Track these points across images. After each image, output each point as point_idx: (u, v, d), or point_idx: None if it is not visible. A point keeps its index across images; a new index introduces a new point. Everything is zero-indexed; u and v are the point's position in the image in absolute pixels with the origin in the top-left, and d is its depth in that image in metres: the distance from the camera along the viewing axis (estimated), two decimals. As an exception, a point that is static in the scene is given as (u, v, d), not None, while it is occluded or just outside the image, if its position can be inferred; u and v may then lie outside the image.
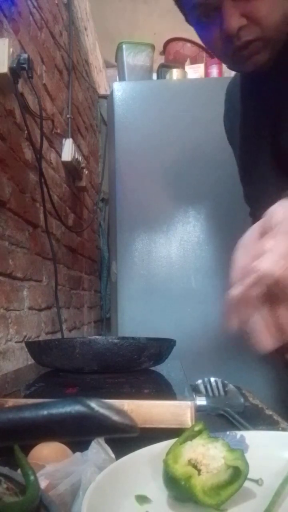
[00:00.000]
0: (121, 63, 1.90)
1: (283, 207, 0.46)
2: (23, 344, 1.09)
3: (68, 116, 1.86)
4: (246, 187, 0.93)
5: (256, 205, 0.89)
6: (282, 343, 0.39)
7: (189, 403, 0.55)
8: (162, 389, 0.71)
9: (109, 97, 1.77)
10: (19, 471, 0.31)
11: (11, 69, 1.11)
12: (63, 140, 1.78)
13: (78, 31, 2.27)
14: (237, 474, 0.38)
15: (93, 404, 0.24)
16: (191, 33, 0.89)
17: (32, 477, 0.30)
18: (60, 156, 1.74)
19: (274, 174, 0.84)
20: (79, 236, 2.07)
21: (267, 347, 0.40)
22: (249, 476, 0.39)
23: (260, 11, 0.69)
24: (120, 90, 1.68)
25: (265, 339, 0.39)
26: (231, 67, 0.82)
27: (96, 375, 0.74)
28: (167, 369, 0.82)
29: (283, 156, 0.80)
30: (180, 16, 0.86)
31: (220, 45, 0.74)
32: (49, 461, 0.41)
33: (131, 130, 1.64)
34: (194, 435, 0.43)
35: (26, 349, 0.84)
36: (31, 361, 0.94)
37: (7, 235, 1.13)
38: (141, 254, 1.59)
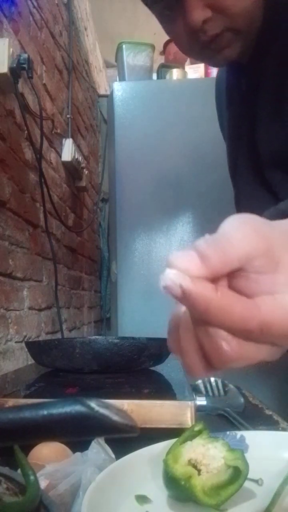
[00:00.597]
0: (121, 63, 1.90)
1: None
2: (23, 344, 1.09)
3: (68, 116, 1.86)
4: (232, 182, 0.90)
5: (236, 203, 0.86)
6: (212, 372, 0.32)
7: (189, 403, 0.55)
8: (162, 389, 0.71)
9: (109, 97, 1.77)
10: (19, 471, 0.31)
11: (11, 69, 1.11)
12: (63, 140, 1.78)
13: (78, 31, 2.27)
14: (237, 474, 0.38)
15: (93, 404, 0.24)
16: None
17: (32, 477, 0.30)
18: (60, 156, 1.74)
19: (251, 177, 0.79)
20: (79, 236, 2.07)
21: (195, 374, 0.32)
22: (249, 476, 0.39)
23: (226, 0, 0.61)
24: (120, 90, 1.68)
25: (192, 365, 0.32)
26: (202, 62, 0.77)
27: (96, 375, 0.74)
28: (167, 369, 0.82)
29: (259, 158, 0.76)
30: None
31: (186, 40, 0.67)
32: (49, 461, 0.41)
33: (131, 130, 1.64)
34: (194, 435, 0.43)
35: (26, 349, 0.84)
36: (31, 361, 0.94)
37: (7, 235, 1.13)
38: (141, 254, 1.59)
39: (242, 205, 0.85)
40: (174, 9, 0.65)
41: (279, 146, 0.70)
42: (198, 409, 0.57)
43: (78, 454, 0.43)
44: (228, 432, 0.49)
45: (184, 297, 0.29)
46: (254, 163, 0.78)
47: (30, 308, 1.30)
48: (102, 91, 2.90)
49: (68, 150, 1.76)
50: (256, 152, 0.77)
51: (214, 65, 0.75)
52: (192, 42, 0.67)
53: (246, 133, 0.78)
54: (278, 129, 0.69)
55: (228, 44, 0.66)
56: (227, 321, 0.28)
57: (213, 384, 0.81)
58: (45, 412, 0.24)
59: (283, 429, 0.62)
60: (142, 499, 0.39)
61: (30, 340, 1.27)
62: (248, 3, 0.63)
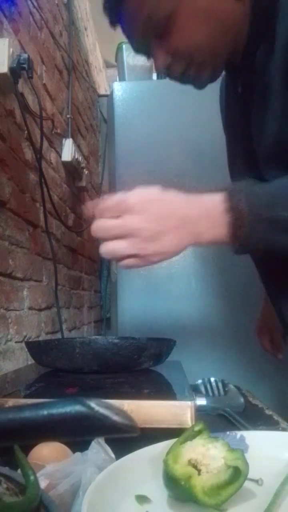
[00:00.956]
0: (121, 63, 1.90)
1: (140, 192, 0.64)
2: (23, 344, 1.09)
3: (68, 116, 1.86)
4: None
5: None
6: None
7: (189, 403, 0.55)
8: (162, 389, 0.71)
9: (109, 97, 1.77)
10: (19, 471, 0.31)
11: (11, 69, 1.11)
12: (63, 140, 1.78)
13: (78, 31, 2.27)
14: (237, 474, 0.38)
15: (93, 404, 0.24)
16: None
17: (32, 477, 0.30)
18: (60, 156, 1.74)
19: (248, 175, 0.80)
20: (79, 236, 2.07)
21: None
22: (249, 476, 0.39)
23: (178, 44, 0.70)
24: (120, 90, 1.68)
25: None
26: None
27: (96, 375, 0.74)
28: (167, 369, 0.82)
29: (255, 156, 0.79)
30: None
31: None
32: (49, 461, 0.41)
33: (131, 130, 1.64)
34: (194, 435, 0.43)
35: (26, 349, 0.84)
36: (31, 361, 0.94)
37: (7, 235, 1.13)
38: (141, 254, 1.59)
39: None
40: (150, 56, 0.77)
41: (272, 141, 0.72)
42: (198, 409, 0.57)
43: (78, 454, 0.43)
44: (228, 432, 0.49)
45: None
46: (250, 161, 0.80)
47: (30, 308, 1.30)
48: (102, 91, 2.90)
49: (68, 150, 1.76)
50: (252, 150, 0.78)
51: (198, 89, 0.80)
52: (171, 79, 0.79)
53: (242, 132, 0.81)
54: (270, 123, 0.72)
55: (196, 74, 0.75)
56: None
57: (213, 384, 0.81)
58: (45, 412, 0.24)
59: (283, 429, 0.62)
60: (142, 499, 0.39)
61: (30, 340, 1.27)
62: (203, 37, 0.70)
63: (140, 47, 0.77)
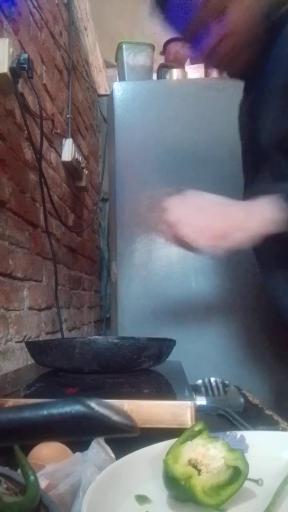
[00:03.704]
0: (121, 63, 1.90)
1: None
2: (23, 344, 1.09)
3: (68, 116, 1.86)
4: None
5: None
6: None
7: (189, 403, 0.55)
8: (162, 389, 0.71)
9: (109, 97, 1.77)
10: (19, 471, 0.31)
11: (11, 69, 1.11)
12: (63, 140, 1.78)
13: (78, 31, 2.27)
14: (237, 474, 0.38)
15: (93, 404, 0.24)
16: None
17: (32, 477, 0.30)
18: (60, 156, 1.74)
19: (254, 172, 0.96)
20: (79, 236, 2.07)
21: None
22: (249, 476, 0.39)
23: (229, 28, 0.85)
24: (120, 90, 1.68)
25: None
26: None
27: (96, 375, 0.74)
28: (167, 369, 0.82)
29: (261, 151, 0.90)
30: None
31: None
32: (49, 461, 0.41)
33: (131, 130, 1.64)
34: (194, 435, 0.43)
35: (26, 349, 0.84)
36: (31, 361, 0.94)
37: (7, 235, 1.13)
38: (141, 254, 1.58)
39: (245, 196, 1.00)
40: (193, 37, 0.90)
41: (277, 128, 0.85)
42: (198, 409, 0.57)
43: (78, 454, 0.43)
44: (228, 432, 0.49)
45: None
46: (255, 158, 0.93)
47: (30, 308, 1.30)
48: (102, 91, 2.90)
49: (68, 150, 1.76)
50: (257, 146, 0.91)
51: (230, 76, 0.92)
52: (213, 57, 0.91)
53: (248, 129, 0.95)
54: (275, 115, 0.86)
55: (233, 59, 0.87)
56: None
57: (213, 384, 0.81)
58: (45, 412, 0.24)
59: (283, 429, 0.62)
60: (142, 499, 0.38)
61: (30, 340, 1.27)
62: (243, 26, 0.84)
63: (192, 28, 0.88)
